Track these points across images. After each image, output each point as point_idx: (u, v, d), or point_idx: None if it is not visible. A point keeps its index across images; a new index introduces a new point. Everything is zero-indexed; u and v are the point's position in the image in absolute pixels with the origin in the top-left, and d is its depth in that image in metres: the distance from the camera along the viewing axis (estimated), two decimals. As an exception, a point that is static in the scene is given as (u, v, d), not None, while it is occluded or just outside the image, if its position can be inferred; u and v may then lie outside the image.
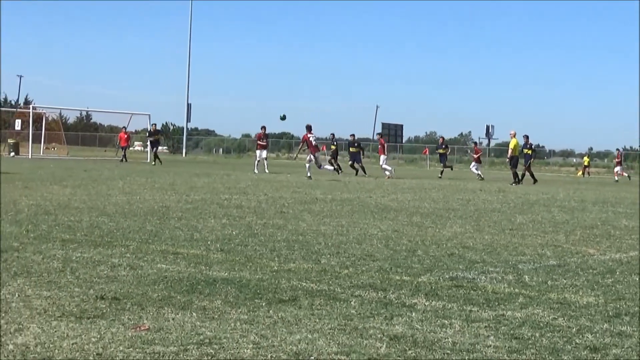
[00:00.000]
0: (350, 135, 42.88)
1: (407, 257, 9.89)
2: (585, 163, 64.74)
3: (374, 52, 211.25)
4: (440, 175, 40.36)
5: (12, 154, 53.81)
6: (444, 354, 5.46)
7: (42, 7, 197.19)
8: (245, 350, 5.31)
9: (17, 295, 6.71)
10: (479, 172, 41.79)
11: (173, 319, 6.12)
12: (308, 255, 9.79)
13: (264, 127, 38.55)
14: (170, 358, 5.09)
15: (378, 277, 8.35)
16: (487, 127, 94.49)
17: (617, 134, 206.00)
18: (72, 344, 5.30)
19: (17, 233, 10.65)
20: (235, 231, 11.88)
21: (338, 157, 43.04)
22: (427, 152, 65.30)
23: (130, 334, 5.59)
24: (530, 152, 37.00)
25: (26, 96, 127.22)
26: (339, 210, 16.57)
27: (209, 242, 10.52)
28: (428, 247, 11.01)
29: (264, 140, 38.42)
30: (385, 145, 40.65)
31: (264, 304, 6.79)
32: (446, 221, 14.89)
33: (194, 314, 6.31)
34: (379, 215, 15.67)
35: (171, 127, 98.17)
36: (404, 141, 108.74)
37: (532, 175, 36.33)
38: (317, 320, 6.27)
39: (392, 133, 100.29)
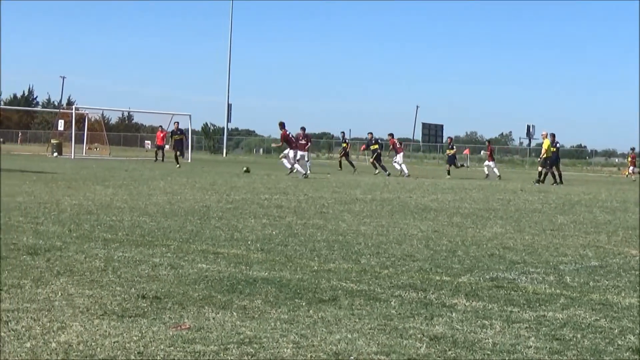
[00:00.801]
0: (369, 134, 43.20)
1: (447, 258, 9.86)
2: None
3: (414, 52, 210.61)
4: (448, 175, 39.94)
5: (55, 154, 54.33)
6: (484, 354, 5.43)
7: (84, 8, 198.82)
8: (285, 350, 5.32)
9: (60, 294, 6.78)
10: (495, 170, 41.88)
11: (213, 318, 6.15)
12: (348, 255, 9.79)
13: (303, 128, 38.67)
14: (211, 357, 5.11)
15: (418, 278, 8.33)
16: (528, 127, 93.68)
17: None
18: (114, 342, 5.34)
19: (60, 232, 10.76)
20: (275, 231, 11.91)
21: (351, 155, 43.41)
22: (468, 152, 65.11)
23: (171, 333, 5.63)
24: (555, 150, 36.51)
25: (69, 97, 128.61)
26: (379, 210, 16.55)
27: (249, 242, 10.56)
28: (468, 247, 10.96)
29: (304, 140, 38.48)
30: (397, 145, 41.02)
31: (304, 304, 6.81)
32: (487, 221, 14.82)
33: (235, 313, 6.34)
34: (419, 215, 15.63)
35: (211, 128, 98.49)
36: (444, 141, 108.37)
37: (553, 175, 35.88)
38: (357, 320, 6.27)
39: (432, 133, 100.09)
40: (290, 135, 34.09)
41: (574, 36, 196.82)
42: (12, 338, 5.33)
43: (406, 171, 39.07)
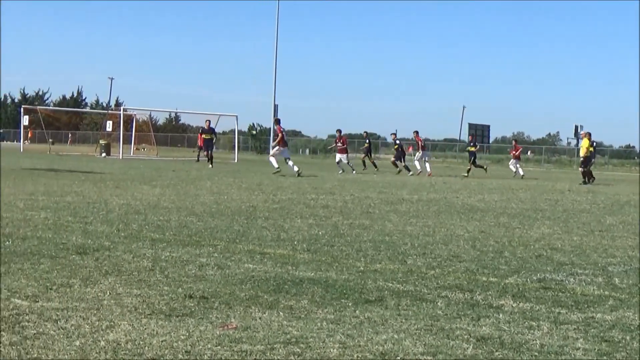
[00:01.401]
0: (392, 134, 44.06)
1: (494, 258, 9.80)
2: None
3: (461, 52, 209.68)
4: (466, 174, 39.63)
5: (104, 154, 54.90)
6: (531, 356, 5.40)
7: (133, 9, 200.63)
8: (332, 350, 5.33)
9: (108, 293, 6.85)
10: (519, 171, 42.03)
11: (260, 318, 6.17)
12: (394, 255, 9.77)
13: (339, 130, 38.83)
14: (257, 357, 5.14)
15: (465, 278, 8.29)
16: (576, 127, 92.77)
17: None
18: (162, 341, 5.39)
19: (109, 232, 10.87)
20: (321, 231, 11.92)
21: (372, 154, 43.86)
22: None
23: (218, 332, 5.66)
24: (592, 150, 36.28)
25: (117, 98, 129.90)
26: (425, 210, 16.50)
27: (295, 242, 10.58)
28: (515, 248, 10.89)
29: (340, 143, 38.62)
30: (421, 143, 41.37)
31: (350, 304, 6.81)
32: (534, 222, 14.71)
33: (281, 313, 6.35)
34: (466, 215, 15.55)
35: (257, 129, 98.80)
36: (490, 141, 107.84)
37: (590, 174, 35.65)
38: (404, 320, 6.26)
39: (478, 133, 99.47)
40: (283, 134, 34.25)
41: (621, 35, 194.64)
42: (61, 336, 5.40)
43: (418, 169, 39.79)
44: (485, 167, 43.37)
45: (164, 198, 16.97)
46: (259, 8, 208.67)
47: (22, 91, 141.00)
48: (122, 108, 67.60)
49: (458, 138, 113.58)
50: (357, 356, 5.23)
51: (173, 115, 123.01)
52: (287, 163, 33.01)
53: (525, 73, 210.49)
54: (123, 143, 56.90)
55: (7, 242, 9.44)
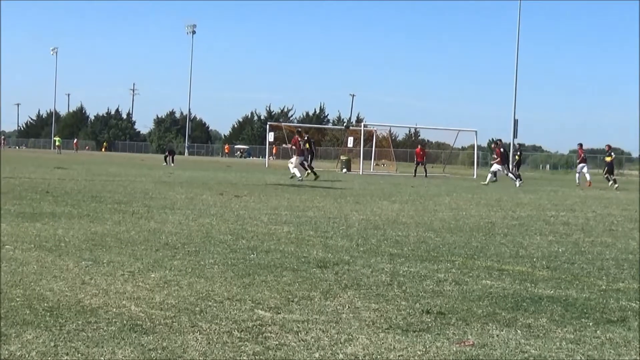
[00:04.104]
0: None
1: None
2: None
3: None
4: (615, 184, 38.20)
5: (344, 170, 55.96)
6: None
7: (375, 24, 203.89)
8: (571, 371, 5.21)
9: (347, 307, 6.98)
10: (586, 176, 41.40)
11: (497, 335, 6.11)
12: (638, 274, 9.40)
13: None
14: (494, 374, 5.09)
15: None
16: None
17: None
18: (399, 356, 5.44)
19: (348, 247, 11.08)
20: (561, 248, 11.66)
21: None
22: None
23: (454, 349, 5.65)
24: None
25: (357, 114, 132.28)
26: (673, 228, 15.76)
27: (534, 259, 10.40)
28: None
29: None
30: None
31: (591, 324, 6.62)
32: None
33: (519, 331, 6.27)
34: None
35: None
36: None
37: None
38: (648, 342, 6.03)
39: None
40: (300, 143, 35.91)
41: None
42: (302, 348, 5.56)
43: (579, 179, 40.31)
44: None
45: (402, 213, 17.12)
46: (501, 15, 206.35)
47: (267, 108, 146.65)
48: (362, 124, 68.55)
49: None
50: (598, 378, 5.08)
51: (413, 130, 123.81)
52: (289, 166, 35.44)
53: None
54: (364, 159, 57.79)
55: (252, 255, 9.82)
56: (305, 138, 38.46)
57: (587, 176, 40.96)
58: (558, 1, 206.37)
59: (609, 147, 42.02)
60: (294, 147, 37.12)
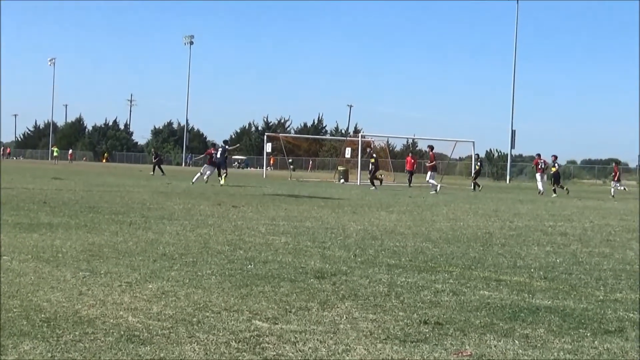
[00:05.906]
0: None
1: None
2: None
3: None
4: (550, 193, 39.29)
5: (342, 180, 55.93)
6: None
7: (370, 37, 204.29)
8: (569, 381, 5.21)
9: (344, 317, 6.98)
10: (619, 188, 42.02)
11: (495, 345, 6.11)
12: (636, 285, 9.41)
13: (430, 147, 42.84)
14: (492, 385, 5.09)
15: None
16: None
17: None
18: (396, 366, 5.44)
19: (346, 257, 11.07)
20: (559, 259, 11.66)
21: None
22: None
23: (452, 359, 5.65)
24: None
25: (355, 125, 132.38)
26: (671, 238, 15.77)
27: (532, 270, 10.40)
28: None
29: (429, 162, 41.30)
30: (540, 165, 42.25)
31: (588, 334, 6.62)
32: None
33: (516, 341, 6.27)
34: None
35: (495, 154, 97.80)
36: None
37: None
38: (645, 353, 6.03)
39: None
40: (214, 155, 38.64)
41: None
42: (299, 359, 5.55)
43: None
44: (565, 187, 42.51)
45: (400, 224, 17.12)
46: (496, 30, 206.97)
47: (265, 119, 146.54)
48: (360, 135, 68.51)
49: None
50: (596, 388, 5.08)
51: (410, 141, 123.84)
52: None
53: None
54: (361, 169, 57.75)
55: (250, 265, 9.82)
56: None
57: (539, 185, 41.72)
58: (556, 10, 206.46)
59: (555, 157, 42.30)
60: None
